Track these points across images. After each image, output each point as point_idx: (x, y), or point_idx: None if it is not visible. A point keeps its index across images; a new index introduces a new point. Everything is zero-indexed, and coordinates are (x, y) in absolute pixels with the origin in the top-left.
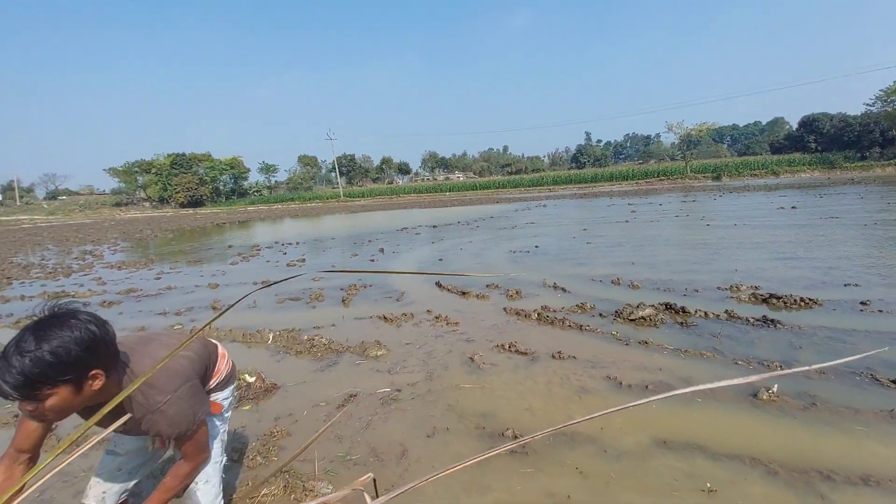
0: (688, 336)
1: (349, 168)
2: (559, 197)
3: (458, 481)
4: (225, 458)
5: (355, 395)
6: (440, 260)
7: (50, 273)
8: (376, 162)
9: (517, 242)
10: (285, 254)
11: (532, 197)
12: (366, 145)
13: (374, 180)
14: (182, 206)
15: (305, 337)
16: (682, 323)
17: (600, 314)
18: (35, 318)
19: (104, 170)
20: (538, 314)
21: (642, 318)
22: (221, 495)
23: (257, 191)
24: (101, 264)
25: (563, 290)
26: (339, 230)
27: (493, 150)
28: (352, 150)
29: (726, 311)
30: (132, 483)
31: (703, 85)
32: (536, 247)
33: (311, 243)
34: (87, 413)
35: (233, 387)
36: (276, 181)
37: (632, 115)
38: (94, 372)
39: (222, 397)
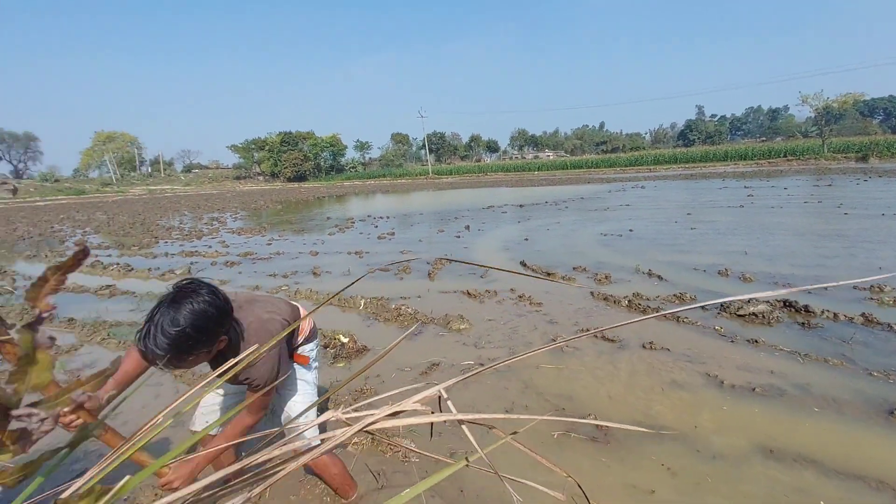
0: (810, 339)
1: (438, 146)
2: (661, 178)
3: (527, 459)
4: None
5: (438, 364)
6: (526, 240)
7: (186, 235)
8: (465, 139)
9: (609, 225)
10: (376, 227)
11: (629, 178)
12: (455, 123)
13: (463, 158)
14: (289, 180)
15: (393, 306)
16: (803, 323)
17: (702, 307)
18: (172, 295)
19: (227, 147)
20: (629, 301)
21: (754, 314)
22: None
23: (353, 167)
24: (225, 229)
25: (659, 277)
26: (427, 206)
27: (587, 126)
28: (442, 128)
29: (863, 315)
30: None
31: (851, 49)
32: (630, 230)
33: (401, 218)
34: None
35: (316, 341)
36: (369, 158)
37: (756, 84)
38: (222, 338)
39: (308, 349)
